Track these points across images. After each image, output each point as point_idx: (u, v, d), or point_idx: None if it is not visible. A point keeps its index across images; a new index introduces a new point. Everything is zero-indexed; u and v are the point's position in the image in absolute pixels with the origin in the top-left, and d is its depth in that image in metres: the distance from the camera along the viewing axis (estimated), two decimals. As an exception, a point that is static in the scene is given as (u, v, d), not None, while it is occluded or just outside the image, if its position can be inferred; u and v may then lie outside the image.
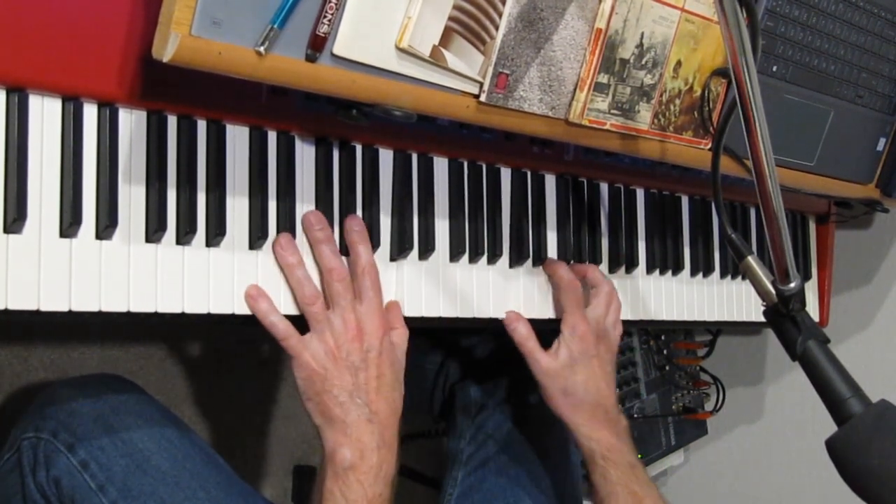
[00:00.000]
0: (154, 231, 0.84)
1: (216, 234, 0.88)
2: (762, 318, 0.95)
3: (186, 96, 0.85)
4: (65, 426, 0.91)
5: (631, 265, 1.26)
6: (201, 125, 0.88)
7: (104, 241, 0.82)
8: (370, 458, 0.91)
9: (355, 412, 0.91)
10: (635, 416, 1.69)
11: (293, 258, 0.91)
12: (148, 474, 0.92)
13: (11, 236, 0.77)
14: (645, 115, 1.04)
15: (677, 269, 1.33)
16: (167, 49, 0.71)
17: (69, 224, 0.79)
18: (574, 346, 1.07)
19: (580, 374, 1.07)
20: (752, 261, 0.94)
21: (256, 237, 0.91)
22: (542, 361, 1.07)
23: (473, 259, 1.08)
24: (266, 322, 0.90)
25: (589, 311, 1.11)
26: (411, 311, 1.02)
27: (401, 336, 0.98)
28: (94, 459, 0.90)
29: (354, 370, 0.92)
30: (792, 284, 0.89)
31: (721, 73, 1.08)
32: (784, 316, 0.91)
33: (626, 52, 0.98)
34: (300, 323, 0.93)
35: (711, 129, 1.10)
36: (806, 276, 1.57)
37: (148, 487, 0.91)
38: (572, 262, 1.18)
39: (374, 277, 0.95)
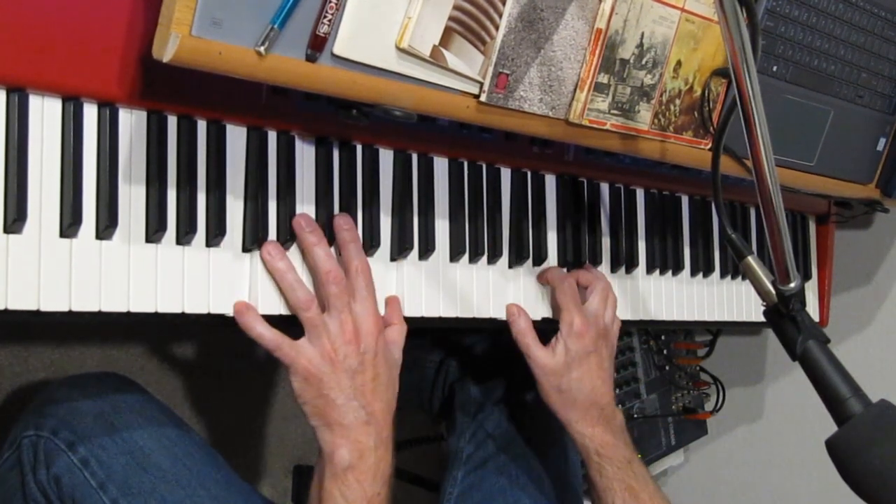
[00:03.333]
0: (154, 231, 0.84)
1: (216, 234, 0.88)
2: (762, 318, 0.95)
3: (186, 96, 0.85)
4: (65, 424, 0.91)
5: (631, 265, 1.26)
6: (201, 125, 0.88)
7: (104, 241, 0.82)
8: (368, 459, 0.91)
9: (353, 414, 0.91)
10: (635, 416, 1.69)
11: (282, 263, 0.90)
12: (148, 472, 0.92)
13: (11, 236, 0.77)
14: (645, 115, 1.04)
15: (677, 269, 1.33)
16: (167, 49, 0.71)
17: (69, 224, 0.79)
18: (571, 343, 1.07)
19: (576, 371, 1.07)
20: (752, 261, 0.94)
21: (257, 237, 0.90)
22: (539, 357, 1.07)
23: (473, 259, 1.08)
24: (253, 334, 0.89)
25: (586, 307, 1.11)
26: (411, 311, 1.02)
27: (398, 332, 0.98)
28: (94, 457, 0.90)
29: (352, 373, 0.92)
30: (792, 284, 0.89)
31: (721, 73, 1.08)
32: (784, 316, 0.91)
33: (627, 52, 0.98)
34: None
35: (711, 129, 1.10)
36: (806, 276, 1.57)
37: (148, 485, 0.92)
38: (570, 263, 1.18)
39: (368, 276, 0.94)
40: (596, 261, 1.21)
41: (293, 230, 0.92)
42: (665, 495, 1.11)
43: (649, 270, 1.29)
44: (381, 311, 0.97)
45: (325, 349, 0.91)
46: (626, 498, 1.07)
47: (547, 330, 1.11)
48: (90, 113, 0.81)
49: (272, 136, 0.93)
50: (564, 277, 1.12)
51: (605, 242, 1.24)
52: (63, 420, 0.92)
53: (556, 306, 1.13)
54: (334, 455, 0.91)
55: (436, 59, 0.86)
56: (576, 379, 1.07)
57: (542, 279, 1.14)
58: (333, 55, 0.80)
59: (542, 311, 1.15)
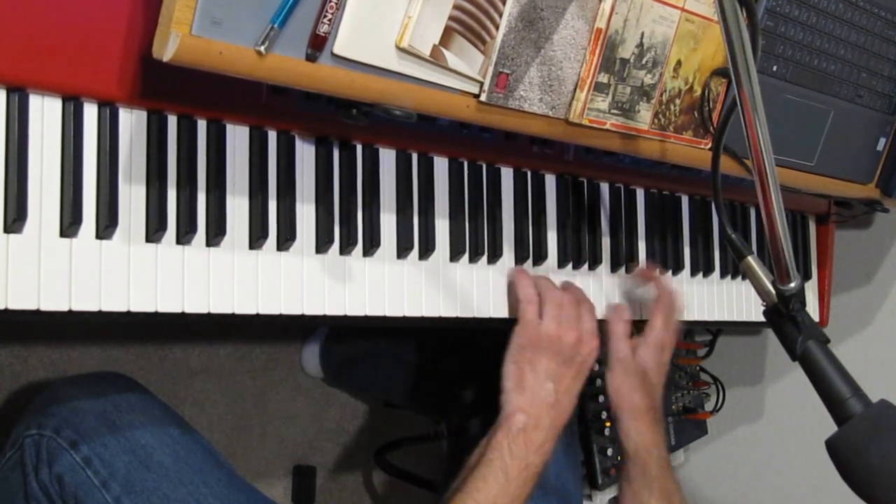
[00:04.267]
0: (154, 231, 0.84)
1: (216, 233, 0.88)
2: (762, 318, 0.95)
3: (186, 96, 0.85)
4: (67, 423, 0.91)
5: (631, 265, 1.26)
6: (201, 125, 0.88)
7: (104, 241, 0.82)
8: (539, 433, 1.00)
9: (544, 392, 1.01)
10: (635, 416, 1.68)
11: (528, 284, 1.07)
12: (151, 470, 0.92)
13: (12, 236, 0.77)
14: (645, 115, 1.04)
15: (677, 269, 1.33)
16: (167, 49, 0.71)
17: (69, 224, 0.79)
18: (653, 352, 1.14)
19: (651, 377, 1.14)
20: (752, 261, 0.94)
21: (256, 237, 0.91)
22: (619, 350, 1.14)
23: (473, 259, 1.08)
24: (521, 293, 1.05)
25: (671, 326, 1.17)
26: (411, 311, 1.02)
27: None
28: (96, 456, 0.91)
29: (562, 359, 1.03)
30: (792, 284, 0.89)
31: (721, 72, 1.08)
32: (784, 316, 0.91)
33: (627, 51, 0.98)
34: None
35: (711, 128, 1.10)
36: (806, 276, 1.57)
37: (151, 483, 0.92)
38: (570, 263, 1.18)
39: (592, 311, 1.09)
40: (596, 261, 1.21)
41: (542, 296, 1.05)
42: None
43: (640, 273, 1.29)
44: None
45: (557, 328, 1.03)
46: (661, 498, 1.12)
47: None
48: (90, 113, 0.81)
49: (272, 136, 0.93)
50: (670, 291, 1.19)
51: (605, 242, 1.24)
52: (65, 419, 0.92)
53: (653, 308, 1.19)
54: (514, 416, 1.00)
55: (436, 59, 0.86)
56: (649, 384, 1.14)
57: (643, 275, 1.23)
58: (333, 55, 0.80)
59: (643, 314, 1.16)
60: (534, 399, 1.01)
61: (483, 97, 0.90)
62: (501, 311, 1.11)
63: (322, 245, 0.96)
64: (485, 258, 1.09)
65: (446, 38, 0.86)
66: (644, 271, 1.24)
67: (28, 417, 0.94)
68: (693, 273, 1.35)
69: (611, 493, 1.73)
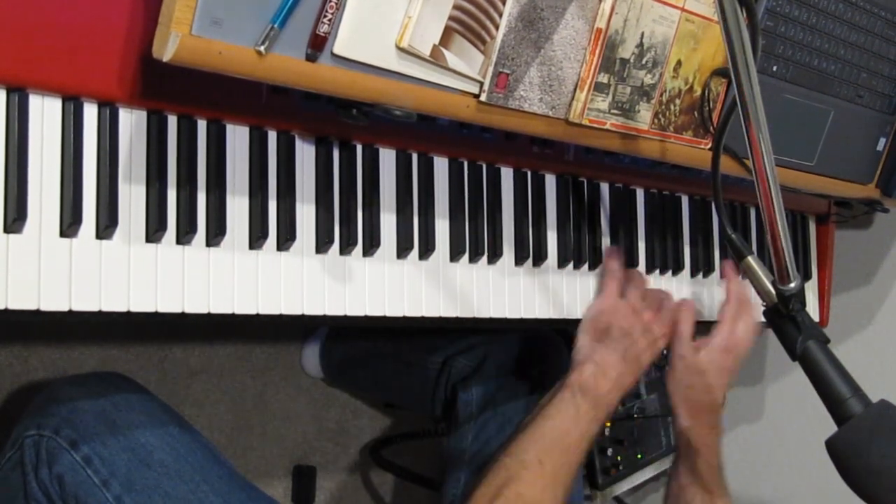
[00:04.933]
0: (154, 231, 0.84)
1: (216, 233, 0.88)
2: (762, 318, 0.95)
3: (186, 96, 0.85)
4: (67, 423, 0.91)
5: (631, 265, 1.26)
6: (201, 125, 0.88)
7: (104, 241, 0.82)
8: (607, 383, 1.04)
9: (614, 351, 1.06)
10: (635, 416, 1.69)
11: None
12: (151, 468, 0.92)
13: (12, 236, 0.77)
14: (645, 115, 1.04)
15: (677, 269, 1.33)
16: (167, 49, 0.71)
17: (69, 224, 0.79)
18: (715, 354, 1.14)
19: (716, 380, 1.14)
20: (752, 261, 0.94)
21: (256, 237, 0.91)
22: (683, 349, 1.14)
23: (473, 259, 1.08)
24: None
25: (739, 330, 1.16)
26: (411, 311, 1.02)
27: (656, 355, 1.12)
28: (96, 455, 0.91)
29: (635, 334, 1.08)
30: (792, 284, 0.89)
31: (721, 73, 1.08)
32: (784, 316, 0.91)
33: (627, 51, 0.98)
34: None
35: (711, 128, 1.10)
36: (806, 276, 1.57)
37: (152, 481, 0.92)
38: (570, 263, 1.18)
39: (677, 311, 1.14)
40: (596, 261, 1.21)
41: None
42: None
43: (649, 270, 1.29)
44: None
45: (633, 308, 1.10)
46: (705, 499, 1.14)
47: (548, 330, 1.11)
48: (90, 113, 0.81)
49: (272, 136, 0.93)
50: (743, 295, 1.19)
51: (605, 242, 1.24)
52: (65, 419, 0.92)
53: (721, 311, 1.18)
54: (585, 363, 1.05)
55: (436, 59, 0.86)
56: (711, 386, 1.14)
57: (726, 275, 1.25)
58: (333, 55, 0.80)
59: (542, 310, 1.15)
60: (605, 354, 1.05)
61: (483, 97, 0.90)
62: (501, 311, 1.11)
63: (322, 245, 0.96)
64: (485, 258, 1.09)
65: (446, 38, 0.86)
66: (724, 271, 1.27)
67: (28, 417, 0.94)
68: (693, 273, 1.35)
69: (611, 492, 1.73)
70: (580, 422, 1.01)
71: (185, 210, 0.86)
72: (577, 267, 1.19)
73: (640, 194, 1.29)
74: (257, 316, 0.92)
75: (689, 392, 1.13)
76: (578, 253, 1.19)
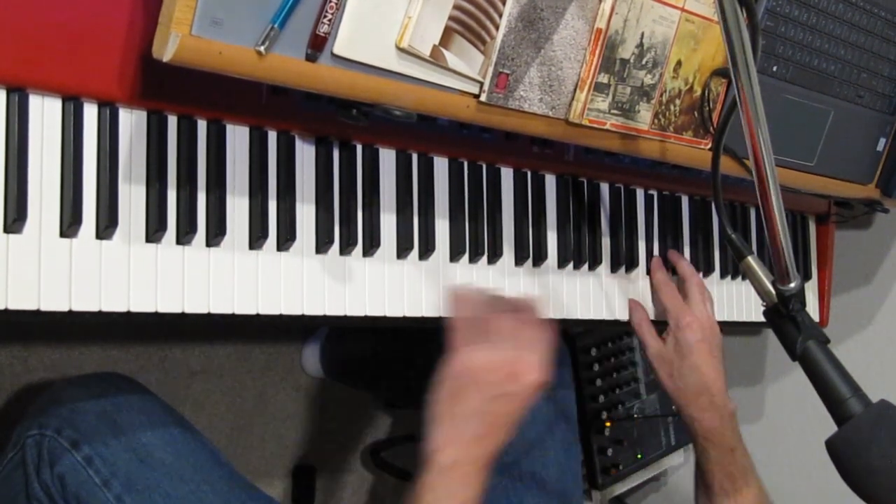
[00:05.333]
0: (154, 231, 0.84)
1: (216, 233, 0.88)
2: (762, 318, 0.95)
3: (186, 96, 0.85)
4: (68, 423, 0.92)
5: (631, 265, 1.26)
6: (201, 125, 0.88)
7: (104, 241, 0.82)
8: (469, 467, 0.87)
9: (473, 426, 0.88)
10: (635, 416, 1.69)
11: None
12: (152, 468, 0.93)
13: (11, 236, 0.77)
14: (645, 115, 1.04)
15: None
16: (167, 49, 0.71)
17: (69, 224, 0.79)
18: (680, 335, 1.17)
19: (687, 360, 1.16)
20: (752, 261, 0.94)
21: (256, 237, 0.91)
22: (652, 347, 1.19)
23: (473, 259, 1.08)
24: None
25: (689, 303, 1.21)
26: (411, 311, 1.02)
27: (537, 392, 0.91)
28: (98, 455, 0.91)
29: (494, 394, 0.88)
30: (792, 284, 0.89)
31: (721, 73, 1.08)
32: (784, 316, 0.91)
33: (627, 51, 0.98)
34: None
35: (711, 129, 1.10)
36: (806, 276, 1.57)
37: (152, 481, 0.92)
38: (570, 263, 1.18)
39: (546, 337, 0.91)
40: (596, 261, 1.21)
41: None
42: (764, 488, 1.17)
43: (650, 270, 1.29)
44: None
45: (489, 360, 0.88)
46: (723, 483, 1.13)
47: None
48: (90, 113, 0.81)
49: (272, 136, 0.93)
50: (664, 279, 1.24)
51: (605, 242, 1.24)
52: (66, 419, 0.92)
53: (659, 307, 1.24)
54: (442, 452, 0.87)
55: (436, 59, 0.86)
56: (687, 367, 1.16)
57: (654, 277, 1.26)
58: (333, 55, 0.80)
59: (542, 310, 1.14)
60: (461, 433, 0.88)
61: (483, 97, 0.90)
62: (501, 311, 1.10)
63: (322, 245, 0.96)
64: (485, 258, 1.09)
65: (446, 38, 0.86)
66: (660, 260, 1.27)
67: (29, 418, 0.94)
68: (693, 273, 1.35)
69: (611, 492, 1.73)
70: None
71: (185, 210, 0.86)
72: (577, 267, 1.19)
73: (640, 194, 1.29)
74: (257, 316, 0.92)
75: (677, 380, 1.16)
76: (578, 253, 1.19)
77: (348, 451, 1.84)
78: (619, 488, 1.73)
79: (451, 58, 0.87)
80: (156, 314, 0.85)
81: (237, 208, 0.90)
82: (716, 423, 1.15)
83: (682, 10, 1.01)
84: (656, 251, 1.30)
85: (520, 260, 1.13)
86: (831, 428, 0.85)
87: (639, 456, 1.71)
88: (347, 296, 0.98)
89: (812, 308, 1.58)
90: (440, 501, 0.86)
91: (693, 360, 1.16)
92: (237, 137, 0.90)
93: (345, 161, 0.98)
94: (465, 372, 0.88)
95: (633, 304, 1.23)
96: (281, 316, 0.93)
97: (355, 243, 0.98)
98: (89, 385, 0.97)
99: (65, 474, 0.91)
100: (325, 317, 0.96)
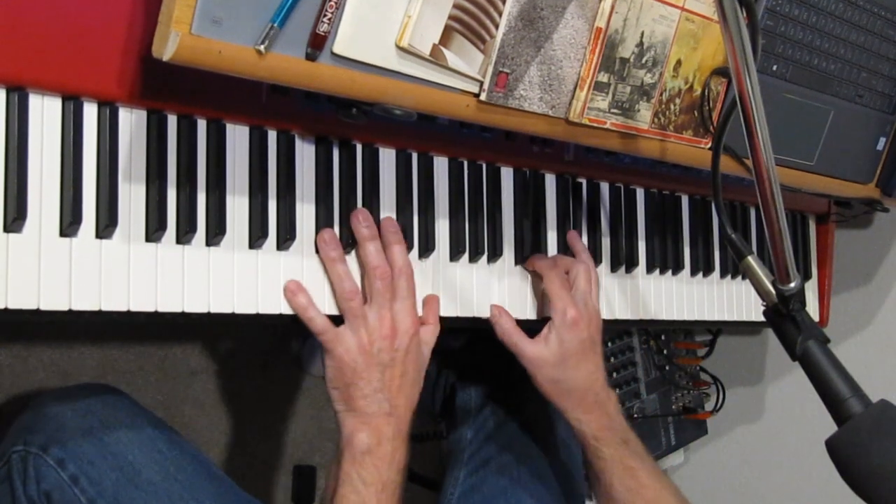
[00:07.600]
0: (154, 230, 0.84)
1: (216, 233, 0.88)
2: (762, 318, 0.95)
3: (186, 96, 0.85)
4: (54, 440, 0.90)
5: (631, 265, 1.26)
6: (201, 124, 0.88)
7: (104, 241, 0.82)
8: (386, 446, 0.95)
9: (377, 405, 0.95)
10: (635, 416, 1.69)
11: (335, 252, 0.95)
12: (139, 488, 0.91)
13: (11, 235, 0.77)
14: (645, 115, 1.04)
15: (677, 268, 1.33)
16: (167, 48, 0.71)
17: (69, 223, 0.79)
18: (566, 333, 1.05)
19: (572, 360, 1.06)
20: (752, 261, 0.94)
21: (256, 236, 0.91)
22: (531, 352, 1.06)
23: (473, 259, 1.08)
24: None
25: (574, 292, 1.09)
26: (411, 310, 1.02)
27: (431, 333, 1.02)
28: (84, 474, 0.90)
29: (383, 367, 0.95)
30: (792, 284, 0.89)
31: (721, 72, 1.08)
32: (784, 316, 0.91)
33: (627, 51, 0.98)
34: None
35: (711, 128, 1.10)
36: (806, 276, 1.57)
37: (139, 501, 0.91)
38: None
39: (410, 278, 0.98)
40: (596, 261, 1.21)
41: (351, 223, 0.96)
42: (663, 472, 1.11)
43: (649, 270, 1.29)
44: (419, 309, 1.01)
45: (361, 341, 0.94)
46: (623, 477, 1.07)
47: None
48: (90, 112, 0.81)
49: (272, 136, 0.93)
50: (552, 266, 1.10)
51: (605, 242, 1.24)
52: (52, 436, 0.91)
53: (544, 295, 1.11)
54: (354, 438, 0.95)
55: (436, 58, 0.86)
56: (572, 368, 1.06)
57: (528, 266, 1.13)
58: (333, 54, 0.80)
59: (542, 310, 1.15)
60: (368, 416, 0.95)
61: (483, 96, 0.90)
62: (501, 311, 1.10)
63: (322, 245, 0.96)
64: (485, 258, 1.09)
65: (446, 37, 0.86)
66: (528, 263, 1.14)
67: (14, 433, 0.93)
68: (693, 273, 1.35)
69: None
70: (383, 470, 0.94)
71: (184, 210, 0.86)
72: (577, 266, 1.19)
73: (640, 194, 1.29)
74: (257, 316, 0.92)
75: (562, 384, 1.06)
76: (578, 253, 1.19)
77: (348, 451, 1.83)
78: (619, 488, 1.73)
79: (451, 57, 0.87)
80: (156, 314, 0.85)
81: (237, 208, 0.90)
82: (604, 419, 1.07)
83: (682, 9, 1.01)
84: (656, 251, 1.30)
85: (520, 260, 1.13)
86: (831, 428, 0.85)
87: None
88: (347, 295, 0.98)
89: (812, 308, 1.58)
90: (361, 493, 0.93)
91: (578, 360, 1.06)
92: (237, 137, 0.90)
93: (345, 160, 0.98)
94: (346, 355, 0.94)
95: (497, 312, 1.09)
96: (281, 316, 0.93)
97: (355, 243, 0.98)
98: (75, 399, 0.95)
99: (51, 492, 0.89)
100: (325, 316, 0.96)
